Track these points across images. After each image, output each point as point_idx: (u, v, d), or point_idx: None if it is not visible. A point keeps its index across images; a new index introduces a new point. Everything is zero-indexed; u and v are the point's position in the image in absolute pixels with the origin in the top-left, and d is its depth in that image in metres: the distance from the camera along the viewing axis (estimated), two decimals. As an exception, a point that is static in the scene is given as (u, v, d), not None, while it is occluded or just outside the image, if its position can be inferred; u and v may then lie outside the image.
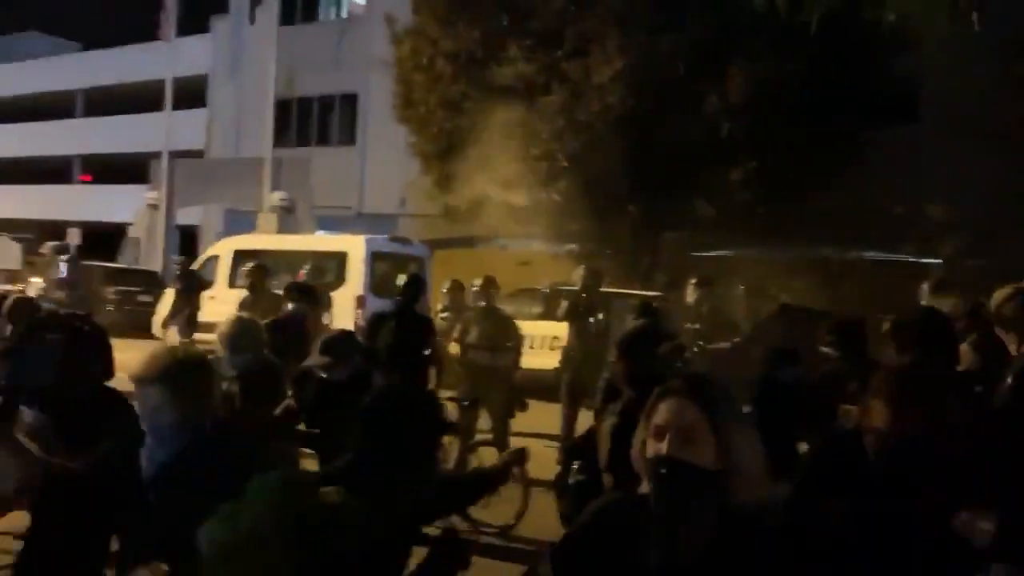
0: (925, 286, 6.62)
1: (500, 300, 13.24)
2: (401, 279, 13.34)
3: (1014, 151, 14.20)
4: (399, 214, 24.17)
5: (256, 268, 8.46)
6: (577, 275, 8.98)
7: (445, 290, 9.31)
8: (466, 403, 6.89)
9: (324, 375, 4.42)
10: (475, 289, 7.85)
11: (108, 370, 3.26)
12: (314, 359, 4.44)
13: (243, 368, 4.40)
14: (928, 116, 16.28)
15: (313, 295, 6.71)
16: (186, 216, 26.39)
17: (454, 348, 7.76)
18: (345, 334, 4.84)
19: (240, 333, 4.53)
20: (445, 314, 8.67)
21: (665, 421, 1.96)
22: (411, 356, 6.67)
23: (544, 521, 6.49)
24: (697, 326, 8.02)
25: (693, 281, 8.55)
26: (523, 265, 17.76)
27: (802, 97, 12.60)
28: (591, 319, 8.61)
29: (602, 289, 9.12)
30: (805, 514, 2.56)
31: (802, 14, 8.09)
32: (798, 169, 14.80)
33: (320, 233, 20.75)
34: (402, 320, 6.87)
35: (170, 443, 2.56)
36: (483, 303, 7.72)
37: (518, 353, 7.74)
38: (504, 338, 7.65)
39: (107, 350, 3.30)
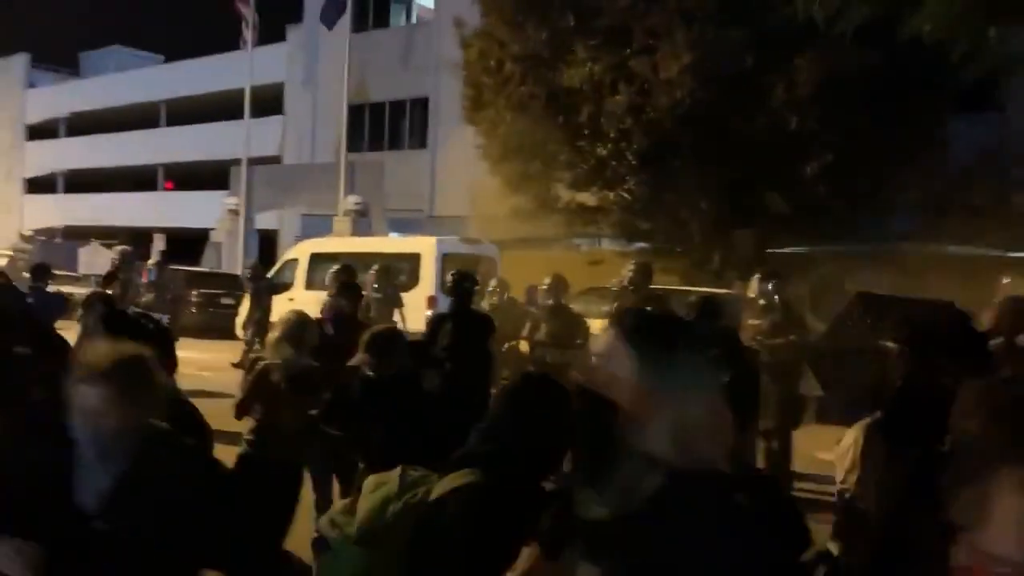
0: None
1: (570, 299, 13.46)
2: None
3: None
4: (469, 216, 24.45)
5: (342, 269, 8.72)
6: (626, 271, 8.84)
7: (491, 288, 9.39)
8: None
9: (370, 373, 4.34)
10: (544, 288, 7.94)
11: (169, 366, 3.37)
12: (359, 357, 4.38)
13: (289, 363, 4.54)
14: (1011, 102, 15.74)
15: (355, 290, 6.83)
16: (265, 221, 27.20)
17: (524, 346, 7.88)
18: (390, 332, 4.69)
19: (292, 328, 4.65)
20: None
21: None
22: (473, 354, 6.68)
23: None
24: (758, 321, 7.89)
25: (757, 276, 8.43)
26: (593, 264, 17.76)
27: (877, 87, 12.31)
28: None
29: (652, 285, 8.88)
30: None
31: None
32: (874, 161, 14.47)
33: (393, 235, 21.17)
34: (460, 319, 6.84)
35: (113, 451, 2.23)
36: (551, 301, 7.80)
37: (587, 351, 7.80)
38: (573, 336, 7.72)
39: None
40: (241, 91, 26.87)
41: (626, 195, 16.60)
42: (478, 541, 2.09)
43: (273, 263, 19.20)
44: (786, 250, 17.41)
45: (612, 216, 17.13)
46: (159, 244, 30.42)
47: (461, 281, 7.08)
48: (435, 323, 7.04)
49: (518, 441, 2.25)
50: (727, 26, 12.10)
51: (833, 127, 12.84)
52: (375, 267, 10.71)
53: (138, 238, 35.96)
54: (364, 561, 2.29)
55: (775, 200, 15.79)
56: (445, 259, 15.31)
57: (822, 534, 6.72)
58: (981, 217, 15.66)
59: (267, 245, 27.30)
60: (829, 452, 8.60)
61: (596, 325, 8.79)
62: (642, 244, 18.08)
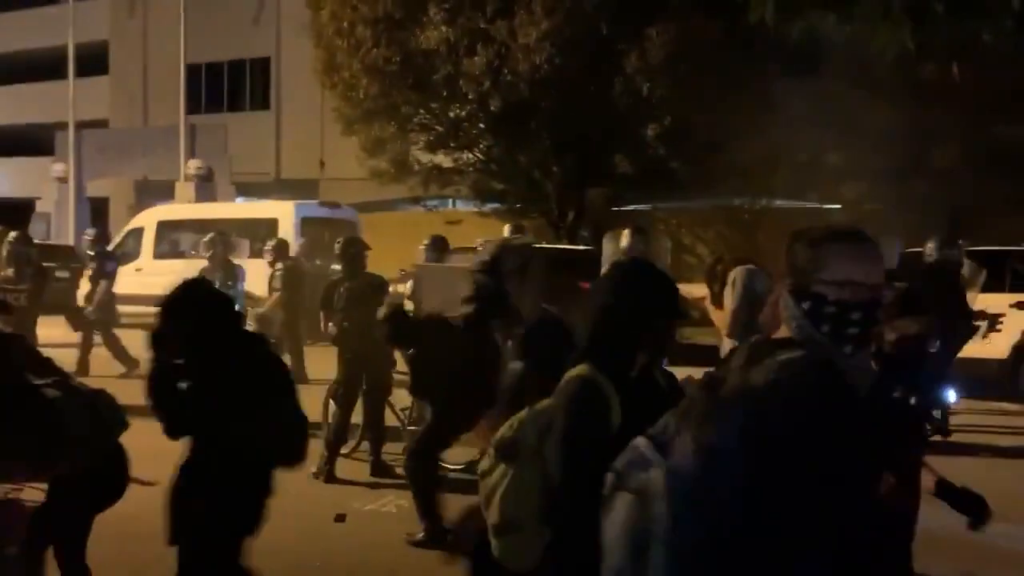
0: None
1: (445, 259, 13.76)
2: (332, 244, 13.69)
3: (903, 100, 15.21)
4: (319, 179, 24.15)
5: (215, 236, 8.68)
6: (506, 233, 9.51)
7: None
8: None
9: None
10: (423, 247, 8.18)
11: None
12: None
13: None
14: (826, 68, 17.21)
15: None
16: (95, 189, 25.71)
17: (408, 304, 8.13)
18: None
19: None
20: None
21: None
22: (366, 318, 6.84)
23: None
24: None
25: (627, 230, 9.07)
26: (452, 224, 18.13)
27: (714, 55, 13.27)
28: None
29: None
30: None
31: None
32: (709, 124, 15.54)
33: (240, 200, 20.62)
34: (353, 284, 6.86)
35: None
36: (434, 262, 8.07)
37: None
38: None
39: None
40: (63, 48, 25.06)
41: (481, 156, 16.99)
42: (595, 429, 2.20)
43: (106, 232, 18.25)
44: (630, 208, 18.44)
45: (468, 178, 17.49)
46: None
47: (348, 247, 7.13)
48: (330, 288, 7.09)
49: (632, 325, 2.31)
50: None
51: (674, 93, 13.72)
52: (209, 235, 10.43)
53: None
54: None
55: (621, 161, 16.68)
56: (304, 223, 15.20)
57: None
58: (802, 174, 17.19)
59: (98, 215, 25.85)
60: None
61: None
62: (496, 204, 18.61)
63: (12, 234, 9.55)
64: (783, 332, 1.77)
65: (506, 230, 9.68)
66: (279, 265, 10.01)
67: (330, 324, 7.02)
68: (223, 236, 8.83)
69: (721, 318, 4.85)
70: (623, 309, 2.33)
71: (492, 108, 13.97)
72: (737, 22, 12.91)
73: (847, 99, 15.75)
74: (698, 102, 14.04)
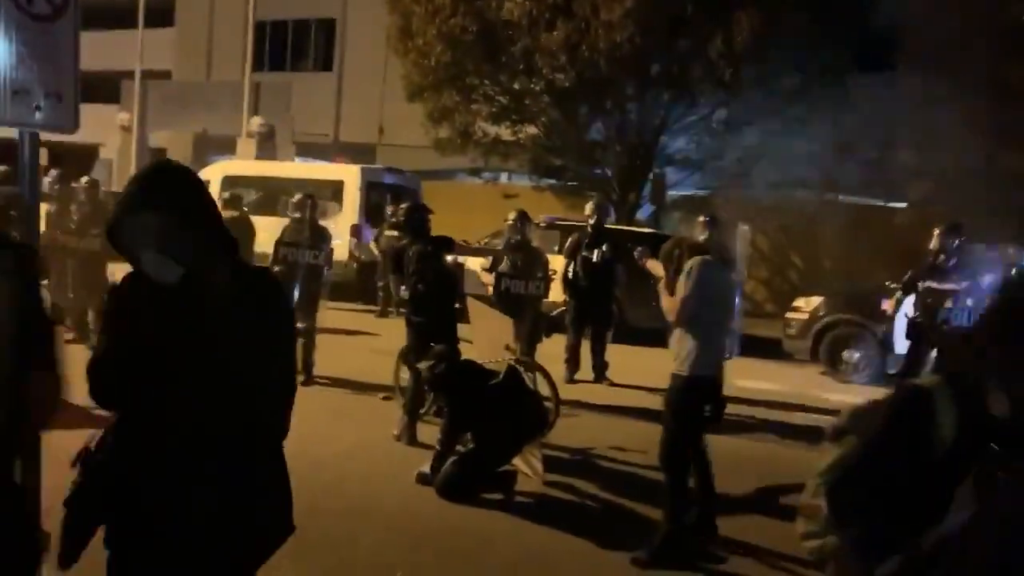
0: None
1: (491, 234, 13.84)
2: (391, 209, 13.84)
3: (980, 100, 14.92)
4: (376, 144, 24.26)
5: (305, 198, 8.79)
6: (589, 210, 9.60)
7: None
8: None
9: None
10: (509, 223, 8.28)
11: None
12: None
13: None
14: (904, 66, 16.90)
15: None
16: (153, 140, 26.05)
17: (487, 278, 8.24)
18: None
19: None
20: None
21: None
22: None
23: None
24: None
25: (703, 219, 9.14)
26: (509, 198, 18.16)
27: (797, 44, 13.11)
28: (596, 252, 9.24)
29: (608, 225, 9.76)
30: None
31: None
32: (775, 113, 15.38)
33: (299, 160, 20.81)
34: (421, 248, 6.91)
35: None
36: (518, 237, 8.17)
37: (547, 283, 8.27)
38: (534, 269, 8.15)
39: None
40: (132, -1, 25.33)
41: (541, 131, 16.95)
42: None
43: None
44: (689, 193, 18.36)
45: (528, 151, 17.48)
46: (42, 159, 28.66)
47: (413, 212, 7.17)
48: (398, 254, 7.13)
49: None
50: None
51: (760, 79, 13.60)
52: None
53: (7, 151, 33.66)
54: None
55: (683, 146, 16.59)
56: (369, 187, 15.34)
57: (747, 451, 7.49)
58: (870, 170, 16.96)
59: (158, 164, 26.20)
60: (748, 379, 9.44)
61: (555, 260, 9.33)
62: (552, 180, 18.60)
63: (84, 179, 9.81)
64: None
65: (589, 207, 9.77)
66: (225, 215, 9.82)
67: (401, 288, 7.09)
68: (313, 198, 8.90)
69: (670, 304, 4.83)
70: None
71: (566, 83, 13.90)
72: (823, 11, 12.84)
73: (922, 96, 15.50)
74: (775, 90, 13.92)
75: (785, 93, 14.46)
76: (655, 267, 5.42)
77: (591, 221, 9.51)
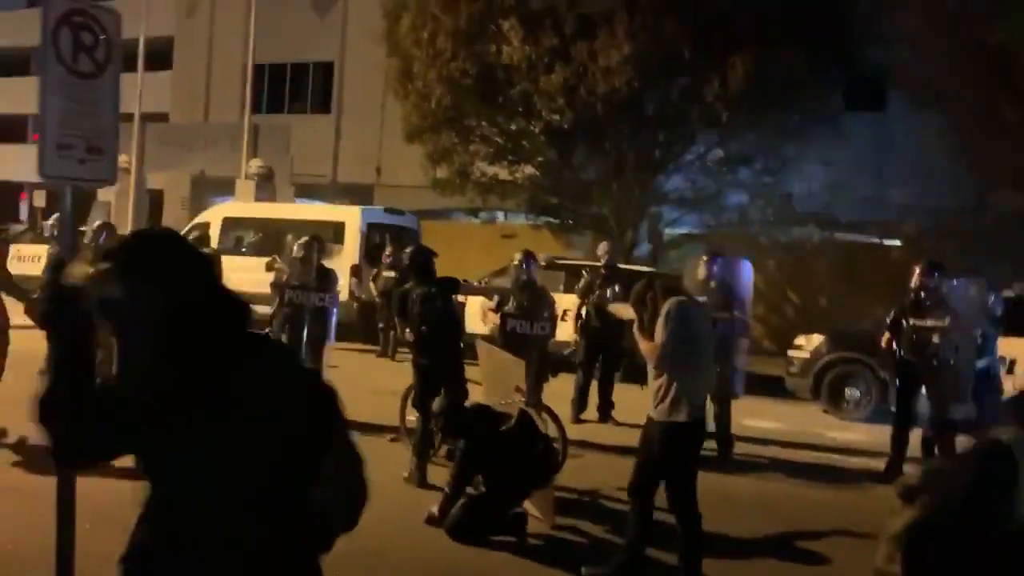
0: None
1: (492, 272, 13.94)
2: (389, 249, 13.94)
3: (970, 138, 15.18)
4: (374, 184, 24.44)
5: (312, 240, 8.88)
6: (602, 250, 9.71)
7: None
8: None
9: None
10: (515, 263, 8.35)
11: None
12: None
13: None
14: (894, 105, 17.21)
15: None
16: (152, 181, 26.18)
17: (493, 317, 8.30)
18: None
19: None
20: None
21: None
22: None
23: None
24: (704, 299, 8.68)
25: (704, 258, 9.21)
26: (507, 238, 18.31)
27: (791, 84, 13.37)
28: (609, 291, 9.31)
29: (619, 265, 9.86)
30: None
31: None
32: (768, 150, 15.61)
33: (299, 201, 20.94)
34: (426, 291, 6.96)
35: None
36: (524, 277, 8.24)
37: (554, 324, 8.32)
38: (540, 309, 8.21)
39: None
40: (132, 42, 25.60)
41: (537, 171, 17.14)
42: None
43: (159, 224, 18.60)
44: (684, 231, 18.52)
45: (524, 191, 17.65)
46: (38, 200, 28.77)
47: (418, 255, 7.25)
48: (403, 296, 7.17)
49: None
50: (664, 16, 12.71)
51: (756, 121, 13.86)
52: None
53: (6, 193, 33.80)
54: None
55: (680, 183, 16.78)
56: (369, 228, 15.45)
57: (762, 489, 7.51)
58: (864, 208, 17.18)
59: (154, 206, 26.33)
60: (752, 419, 9.51)
61: (563, 299, 9.40)
62: (549, 219, 18.75)
63: (97, 223, 9.87)
64: None
65: (603, 248, 9.90)
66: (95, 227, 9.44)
67: (406, 331, 7.15)
68: (320, 240, 8.97)
69: (649, 349, 4.82)
70: None
71: (564, 125, 14.11)
72: (814, 53, 13.15)
73: (912, 135, 15.77)
74: (772, 129, 14.18)
75: (779, 132, 14.70)
76: (621, 310, 5.41)
77: (604, 260, 9.61)
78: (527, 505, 5.99)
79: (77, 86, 2.80)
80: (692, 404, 4.77)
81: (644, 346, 4.89)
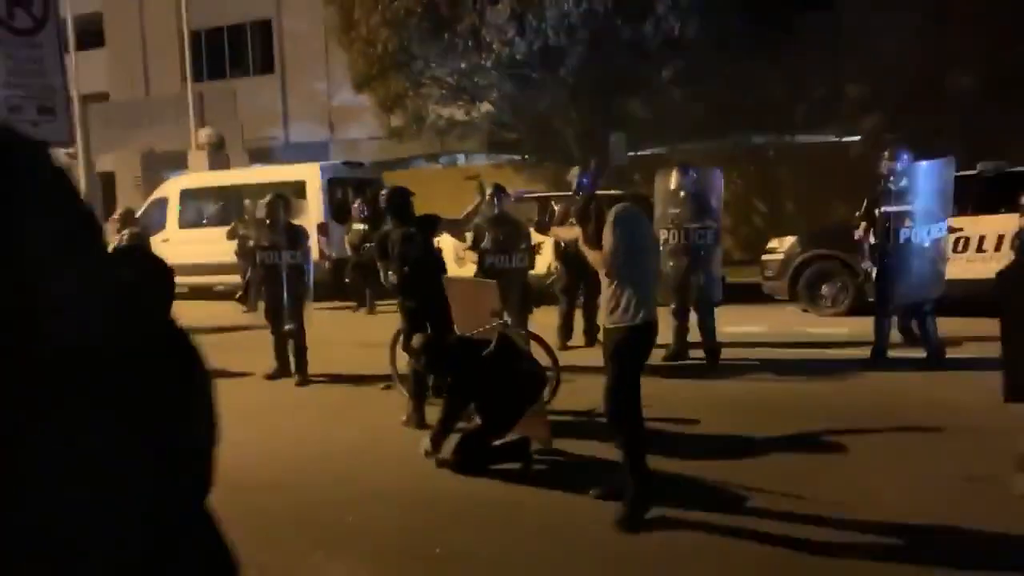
0: None
1: (467, 212, 13.76)
2: (357, 203, 13.75)
3: (922, 28, 15.15)
4: (329, 140, 24.03)
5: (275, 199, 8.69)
6: (572, 175, 9.62)
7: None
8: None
9: None
10: (486, 198, 8.28)
11: None
12: None
13: None
14: (842, 1, 17.08)
15: None
16: (100, 163, 25.53)
17: (470, 255, 8.24)
18: None
19: None
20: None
21: None
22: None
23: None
24: (678, 210, 8.68)
25: (675, 169, 9.16)
26: (471, 179, 18.11)
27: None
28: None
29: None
30: None
31: None
32: (731, 62, 15.47)
33: (256, 166, 20.54)
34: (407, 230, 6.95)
35: None
36: (497, 211, 8.16)
37: (531, 254, 8.28)
38: (516, 241, 8.16)
39: None
40: (64, 21, 24.71)
41: (493, 107, 16.90)
42: None
43: (114, 207, 18.12)
44: (648, 152, 18.43)
45: (482, 130, 17.44)
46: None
47: (394, 196, 7.16)
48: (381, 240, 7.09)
49: None
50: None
51: (709, 32, 13.67)
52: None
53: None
54: None
55: (637, 106, 16.65)
56: (331, 184, 15.21)
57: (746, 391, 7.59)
58: (821, 108, 17.17)
59: (106, 189, 25.73)
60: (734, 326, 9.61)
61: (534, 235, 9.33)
62: (510, 156, 18.58)
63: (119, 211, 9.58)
64: None
65: (572, 174, 9.81)
66: (124, 232, 9.39)
67: (388, 273, 7.06)
68: (283, 198, 8.76)
69: (598, 258, 4.86)
70: None
71: (517, 57, 13.86)
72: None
73: (865, 30, 15.70)
74: (724, 41, 14.01)
75: (732, 43, 14.54)
76: (561, 233, 5.43)
77: (575, 184, 9.51)
78: (524, 430, 6.01)
79: (16, 43, 2.66)
80: (645, 307, 4.78)
81: (592, 256, 4.92)
